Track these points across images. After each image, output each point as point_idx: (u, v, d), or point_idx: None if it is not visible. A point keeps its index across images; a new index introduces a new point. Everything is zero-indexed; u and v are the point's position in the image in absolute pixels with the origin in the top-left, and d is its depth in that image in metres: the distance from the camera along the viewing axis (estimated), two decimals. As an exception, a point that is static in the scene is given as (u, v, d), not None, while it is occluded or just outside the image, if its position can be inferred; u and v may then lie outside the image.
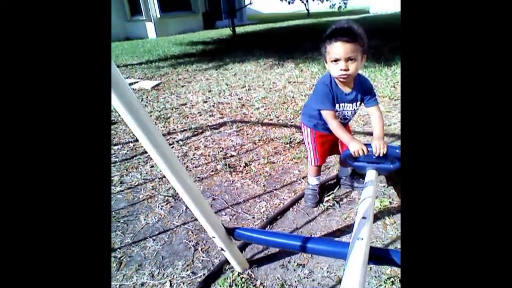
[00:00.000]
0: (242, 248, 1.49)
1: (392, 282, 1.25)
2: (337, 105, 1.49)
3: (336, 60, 1.35)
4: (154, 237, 1.62)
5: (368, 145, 1.36)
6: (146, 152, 2.54)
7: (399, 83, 3.67)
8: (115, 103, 0.72)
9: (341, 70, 1.34)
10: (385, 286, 1.24)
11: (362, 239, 0.95)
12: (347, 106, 1.50)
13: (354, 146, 1.36)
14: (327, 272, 1.34)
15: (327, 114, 1.49)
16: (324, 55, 1.41)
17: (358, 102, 1.51)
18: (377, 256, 0.97)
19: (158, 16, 13.66)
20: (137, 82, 4.97)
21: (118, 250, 1.55)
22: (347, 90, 1.47)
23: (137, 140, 2.81)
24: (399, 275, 1.26)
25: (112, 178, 2.21)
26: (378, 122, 1.48)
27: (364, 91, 1.49)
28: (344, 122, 1.59)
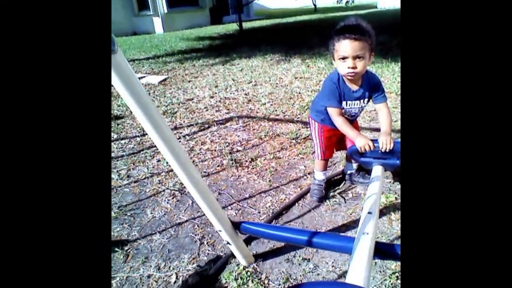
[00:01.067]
0: (247, 242, 1.50)
1: (397, 277, 1.25)
2: (344, 103, 1.49)
3: (343, 58, 1.34)
4: (160, 230, 1.64)
5: (374, 140, 1.36)
6: (153, 146, 2.56)
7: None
8: (125, 96, 0.73)
9: (348, 68, 1.34)
10: (389, 281, 1.25)
11: (367, 233, 0.95)
12: (354, 103, 1.50)
13: (361, 142, 1.36)
14: (332, 266, 1.35)
15: (332, 111, 1.48)
16: (332, 53, 1.41)
17: (366, 99, 1.50)
18: (382, 251, 0.97)
19: (166, 11, 13.67)
20: (144, 77, 5.00)
21: (125, 242, 1.57)
22: (354, 87, 1.47)
23: (144, 135, 2.83)
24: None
25: (119, 172, 2.24)
26: (386, 118, 1.47)
27: (372, 88, 1.48)
28: (351, 119, 1.59)
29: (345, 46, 1.31)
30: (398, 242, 1.43)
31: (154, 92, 4.23)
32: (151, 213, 1.78)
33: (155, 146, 2.54)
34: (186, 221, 1.70)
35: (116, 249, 1.52)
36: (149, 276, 1.37)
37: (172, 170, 2.17)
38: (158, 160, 2.37)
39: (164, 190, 1.99)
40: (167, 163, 2.28)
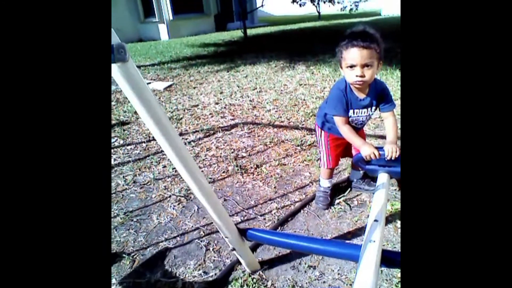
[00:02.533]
0: (253, 249, 1.50)
1: (404, 285, 1.25)
2: (351, 111, 1.48)
3: (352, 66, 1.33)
4: (166, 236, 1.64)
5: (380, 148, 1.36)
6: (158, 152, 2.58)
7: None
8: (135, 104, 0.74)
9: (356, 76, 1.32)
10: (396, 290, 1.24)
11: (374, 241, 0.95)
12: (361, 112, 1.49)
13: (366, 150, 1.35)
14: (338, 274, 1.34)
15: (338, 120, 1.48)
16: (339, 60, 1.39)
17: (373, 107, 1.50)
18: (389, 259, 0.97)
19: (171, 18, 13.78)
20: (149, 83, 5.03)
21: (131, 248, 1.58)
22: (361, 95, 1.46)
23: (149, 140, 2.85)
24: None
25: (125, 177, 2.25)
26: (392, 127, 1.47)
27: (379, 96, 1.48)
28: (358, 128, 1.58)
29: (353, 54, 1.30)
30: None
31: (159, 98, 4.25)
32: (157, 219, 1.79)
33: (161, 152, 2.57)
34: (192, 227, 1.70)
35: (123, 254, 1.52)
36: (155, 282, 1.37)
37: (177, 176, 2.18)
38: (164, 166, 2.38)
39: (170, 196, 2.00)
40: (172, 168, 2.29)
